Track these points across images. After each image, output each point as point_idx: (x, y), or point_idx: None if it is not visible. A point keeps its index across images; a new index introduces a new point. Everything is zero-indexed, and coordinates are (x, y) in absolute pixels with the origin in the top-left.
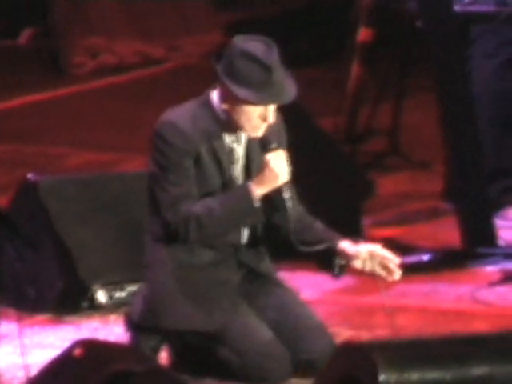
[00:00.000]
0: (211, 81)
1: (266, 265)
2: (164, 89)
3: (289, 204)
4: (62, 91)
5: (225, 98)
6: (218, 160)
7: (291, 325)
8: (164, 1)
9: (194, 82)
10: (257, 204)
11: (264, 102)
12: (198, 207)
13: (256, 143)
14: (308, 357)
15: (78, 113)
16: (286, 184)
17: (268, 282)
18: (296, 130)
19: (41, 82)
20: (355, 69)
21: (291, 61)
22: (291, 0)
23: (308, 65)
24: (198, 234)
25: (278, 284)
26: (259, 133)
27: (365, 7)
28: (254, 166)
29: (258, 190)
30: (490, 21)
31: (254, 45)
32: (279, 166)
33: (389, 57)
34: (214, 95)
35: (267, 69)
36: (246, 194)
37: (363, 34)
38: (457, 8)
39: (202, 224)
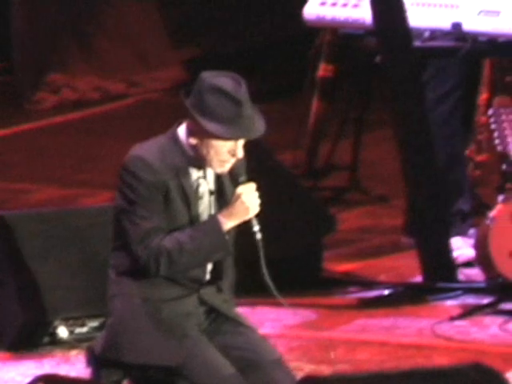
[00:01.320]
0: (171, 116)
1: (229, 307)
2: (124, 124)
3: (259, 236)
4: (24, 127)
5: (193, 132)
6: (185, 196)
7: (255, 363)
8: (122, 37)
9: (154, 118)
10: (226, 236)
11: (235, 136)
12: (168, 241)
13: (226, 178)
14: None
15: (39, 148)
16: (255, 216)
17: (229, 321)
18: (256, 164)
19: (3, 117)
20: (315, 104)
21: (250, 96)
22: (250, 36)
23: (267, 100)
24: (168, 268)
25: (240, 323)
26: (226, 168)
27: (325, 43)
28: (222, 201)
29: (228, 223)
30: (449, 56)
31: (222, 80)
32: (250, 198)
33: (349, 92)
34: (181, 130)
35: (237, 103)
36: (216, 226)
37: (323, 69)
38: (417, 43)
39: (173, 258)
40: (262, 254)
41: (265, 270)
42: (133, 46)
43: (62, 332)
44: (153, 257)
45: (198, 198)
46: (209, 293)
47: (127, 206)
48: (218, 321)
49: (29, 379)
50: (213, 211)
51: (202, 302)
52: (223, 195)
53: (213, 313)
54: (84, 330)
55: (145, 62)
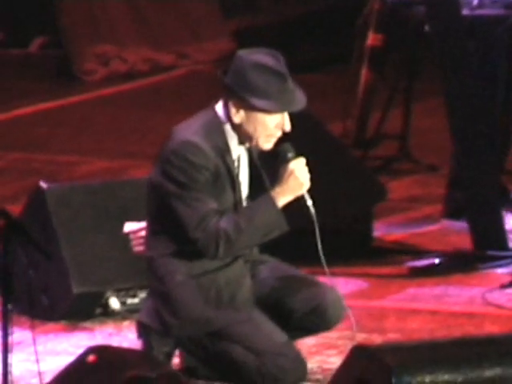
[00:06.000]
0: (220, 88)
1: (260, 254)
2: (173, 96)
3: (313, 210)
4: (72, 99)
5: (238, 111)
6: (231, 177)
7: (297, 281)
8: (173, 9)
9: (202, 89)
10: (281, 214)
11: (284, 109)
12: (225, 223)
13: (258, 157)
14: (318, 302)
15: (88, 120)
16: (307, 191)
17: (267, 263)
18: (306, 135)
19: (51, 89)
20: (365, 73)
21: (299, 66)
22: (299, 6)
23: (316, 70)
24: (228, 249)
25: (269, 259)
26: (272, 143)
27: (374, 12)
28: (257, 181)
29: (282, 199)
30: (498, 25)
31: (262, 56)
32: (302, 173)
33: (398, 61)
34: (219, 109)
35: (281, 77)
36: (271, 204)
37: (372, 38)
38: (465, 12)
39: (231, 239)
40: (317, 227)
41: (319, 244)
42: (182, 17)
43: (114, 303)
44: (212, 239)
45: (239, 178)
46: (250, 253)
47: (179, 190)
48: (258, 266)
49: (81, 350)
50: (247, 191)
51: (246, 260)
52: (258, 175)
53: (255, 265)
54: (136, 300)
55: (194, 34)
